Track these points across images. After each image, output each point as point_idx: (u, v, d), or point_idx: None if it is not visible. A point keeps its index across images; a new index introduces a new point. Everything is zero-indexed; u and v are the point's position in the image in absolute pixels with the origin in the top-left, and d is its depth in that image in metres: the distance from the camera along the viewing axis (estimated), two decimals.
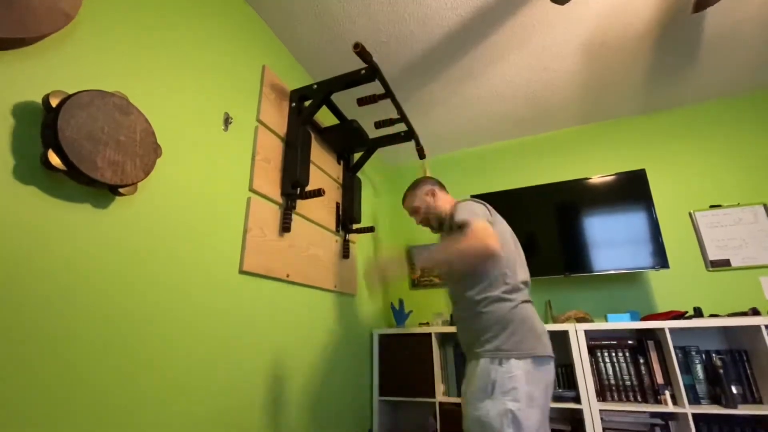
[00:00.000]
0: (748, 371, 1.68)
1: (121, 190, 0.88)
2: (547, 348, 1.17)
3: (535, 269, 2.13)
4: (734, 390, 1.58)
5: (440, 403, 1.95)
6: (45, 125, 0.78)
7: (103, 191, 0.88)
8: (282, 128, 1.61)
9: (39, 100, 0.79)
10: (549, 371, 1.16)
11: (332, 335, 1.81)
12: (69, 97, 0.78)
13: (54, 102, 0.77)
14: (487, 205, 1.34)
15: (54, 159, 0.75)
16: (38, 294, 0.75)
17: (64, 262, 0.80)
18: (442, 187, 1.53)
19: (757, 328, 1.61)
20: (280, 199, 1.52)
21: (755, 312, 1.72)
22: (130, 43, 1.01)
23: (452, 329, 2.05)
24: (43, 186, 0.78)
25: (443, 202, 1.47)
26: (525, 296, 1.24)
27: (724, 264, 1.99)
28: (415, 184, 1.55)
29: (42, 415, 0.72)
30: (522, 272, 1.28)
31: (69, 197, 0.82)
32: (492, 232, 1.18)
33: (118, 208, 0.92)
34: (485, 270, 1.22)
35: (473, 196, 2.35)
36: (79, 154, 0.77)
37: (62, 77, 0.84)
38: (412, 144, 1.96)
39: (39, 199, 0.77)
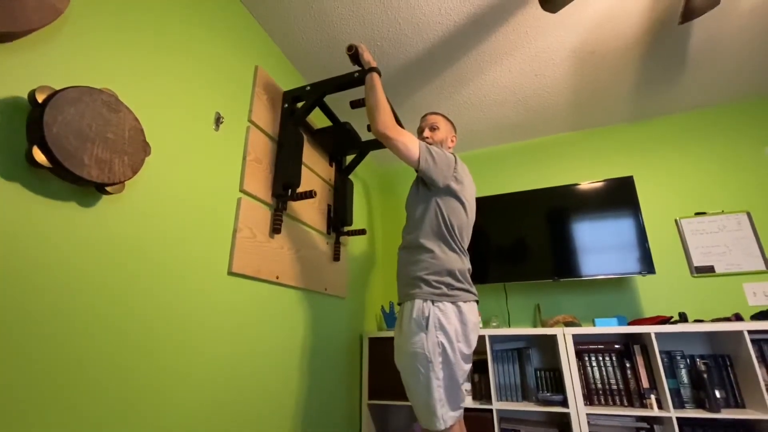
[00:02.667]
0: (731, 376, 1.71)
1: (108, 188, 0.86)
2: (474, 294, 1.31)
3: (525, 273, 2.17)
4: (717, 394, 1.61)
5: None
6: (30, 121, 0.76)
7: (89, 189, 0.87)
8: (274, 129, 1.60)
9: (25, 95, 0.78)
10: (475, 312, 1.30)
11: (322, 338, 1.80)
12: (56, 92, 0.77)
13: (40, 97, 0.76)
14: (459, 163, 1.40)
15: (39, 156, 0.74)
16: (21, 293, 0.73)
17: (48, 261, 0.78)
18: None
19: (740, 333, 1.64)
20: (270, 201, 1.51)
21: (738, 318, 1.76)
22: (120, 39, 1.00)
23: None
24: (27, 183, 0.76)
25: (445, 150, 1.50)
26: (460, 251, 1.34)
27: (708, 270, 2.02)
28: (450, 120, 1.60)
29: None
30: (465, 238, 1.39)
31: (54, 195, 0.81)
32: (407, 136, 1.29)
33: (105, 206, 0.91)
34: (429, 219, 1.33)
35: None
36: (65, 151, 0.76)
37: (49, 72, 0.83)
38: None
39: (23, 197, 0.76)
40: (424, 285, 1.25)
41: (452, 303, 1.22)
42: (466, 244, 1.38)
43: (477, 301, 1.33)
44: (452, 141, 1.55)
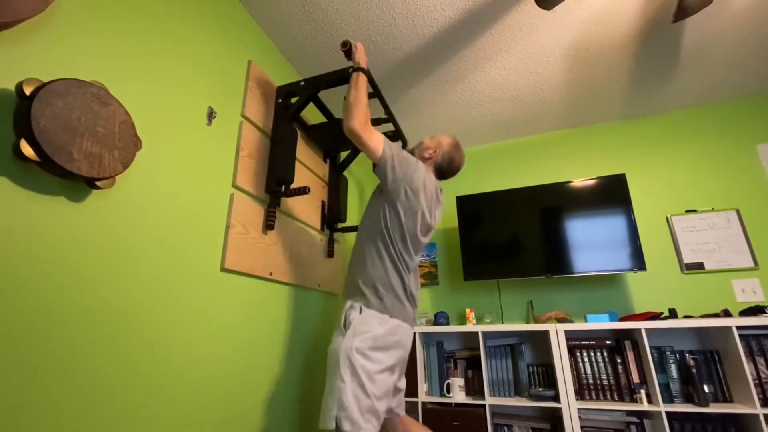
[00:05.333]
0: (720, 371, 1.74)
1: (98, 183, 0.85)
2: (406, 314, 1.27)
3: (518, 270, 2.18)
4: (706, 389, 1.64)
5: (423, 403, 1.95)
6: (18, 114, 0.75)
7: (79, 184, 0.86)
8: (267, 124, 1.59)
9: (12, 87, 0.76)
10: (402, 331, 1.25)
11: (316, 334, 1.80)
12: (44, 85, 0.76)
13: (28, 90, 0.74)
14: (425, 179, 1.35)
15: (27, 149, 0.72)
16: (9, 289, 0.72)
17: (37, 256, 0.77)
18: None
19: (728, 329, 1.66)
20: (264, 197, 1.50)
21: (727, 314, 1.78)
22: (110, 31, 0.98)
23: (436, 329, 2.06)
24: (14, 177, 0.75)
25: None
26: (404, 264, 1.30)
27: (698, 267, 2.05)
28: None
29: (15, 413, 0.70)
30: (409, 248, 1.32)
31: (42, 189, 0.80)
32: (375, 135, 1.28)
33: (94, 201, 0.89)
34: (373, 223, 1.32)
35: (459, 197, 2.38)
36: (53, 145, 0.75)
37: (37, 64, 0.81)
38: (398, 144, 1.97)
39: (10, 191, 0.74)
40: (358, 291, 1.25)
41: (379, 313, 1.21)
42: (409, 256, 1.32)
43: (408, 324, 1.29)
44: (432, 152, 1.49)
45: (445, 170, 1.50)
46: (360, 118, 1.27)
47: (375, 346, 1.16)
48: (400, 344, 1.24)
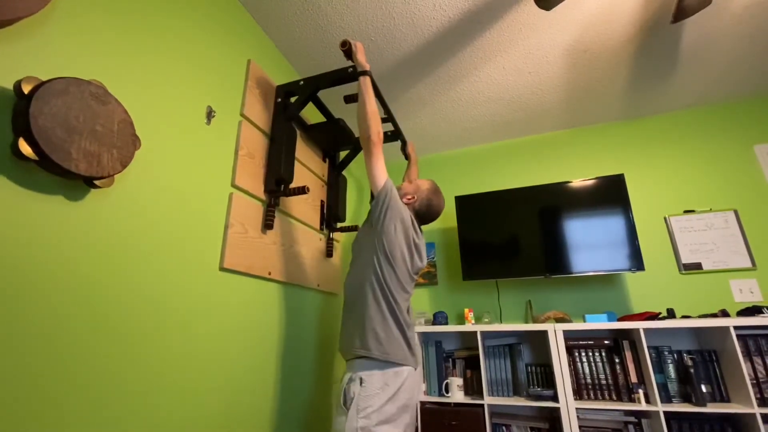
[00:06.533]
0: (717, 371, 1.75)
1: (96, 182, 0.85)
2: (406, 357, 1.21)
3: (517, 270, 2.18)
4: (704, 389, 1.64)
5: (421, 402, 1.95)
6: (16, 112, 0.74)
7: (77, 183, 0.85)
8: (266, 124, 1.58)
9: (10, 86, 0.76)
10: (407, 388, 1.19)
11: (315, 334, 1.80)
12: (42, 83, 0.75)
13: (26, 88, 0.74)
14: (411, 220, 1.36)
15: (25, 148, 0.72)
16: (6, 288, 0.71)
17: (35, 256, 0.76)
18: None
19: (726, 329, 1.67)
20: (263, 196, 1.50)
21: (724, 314, 1.79)
22: (109, 30, 0.98)
23: (434, 329, 2.07)
24: (12, 176, 0.75)
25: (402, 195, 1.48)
26: (399, 307, 1.25)
27: (696, 267, 2.06)
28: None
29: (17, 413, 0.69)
30: (403, 286, 1.29)
31: (41, 188, 0.79)
32: (382, 163, 1.32)
33: (93, 201, 0.89)
34: (371, 272, 1.26)
35: (458, 197, 2.38)
36: (51, 144, 0.74)
37: (36, 63, 0.81)
38: (398, 144, 1.97)
39: (8, 190, 0.74)
40: (355, 342, 1.21)
41: (380, 369, 1.16)
42: (403, 298, 1.28)
43: (411, 366, 1.23)
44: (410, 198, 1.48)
45: (424, 215, 1.47)
46: (379, 130, 1.31)
47: (381, 420, 1.10)
48: (406, 408, 1.18)
